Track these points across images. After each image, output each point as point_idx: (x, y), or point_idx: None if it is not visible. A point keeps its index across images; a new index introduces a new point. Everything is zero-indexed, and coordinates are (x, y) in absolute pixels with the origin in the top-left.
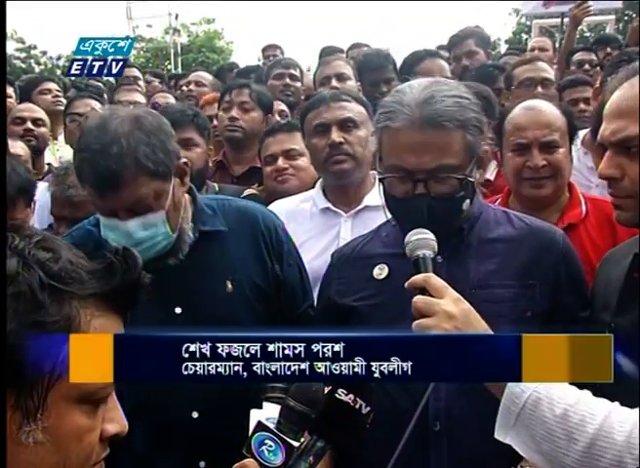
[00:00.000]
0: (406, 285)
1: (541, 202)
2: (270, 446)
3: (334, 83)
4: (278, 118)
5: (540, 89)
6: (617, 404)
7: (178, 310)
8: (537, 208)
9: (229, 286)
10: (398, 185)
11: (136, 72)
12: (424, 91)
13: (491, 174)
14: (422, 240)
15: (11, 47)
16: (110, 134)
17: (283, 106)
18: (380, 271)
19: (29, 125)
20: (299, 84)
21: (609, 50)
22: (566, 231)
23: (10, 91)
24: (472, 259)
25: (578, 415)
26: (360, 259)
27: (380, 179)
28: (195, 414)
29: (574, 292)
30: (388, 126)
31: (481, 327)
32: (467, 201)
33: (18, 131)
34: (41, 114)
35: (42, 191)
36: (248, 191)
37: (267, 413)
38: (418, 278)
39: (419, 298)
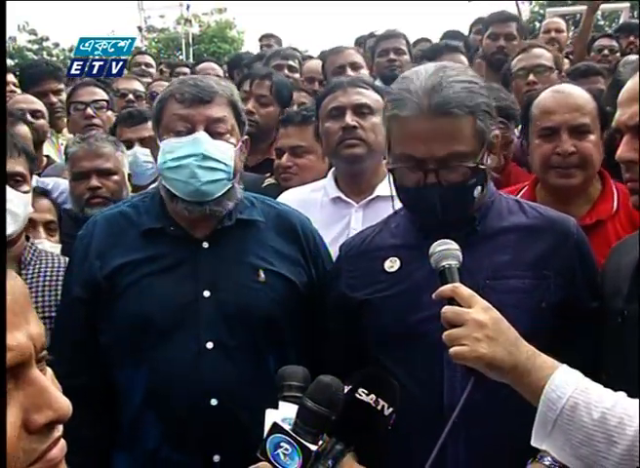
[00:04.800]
0: (433, 296)
1: (570, 192)
2: (286, 449)
3: (349, 72)
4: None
5: (531, 76)
6: None
7: (206, 294)
8: (564, 199)
9: (262, 275)
10: (408, 175)
11: (148, 59)
12: (432, 77)
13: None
14: (447, 250)
15: (23, 39)
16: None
17: (304, 98)
18: (392, 263)
19: (28, 117)
20: (297, 75)
21: (632, 38)
22: (593, 228)
23: (11, 78)
24: (486, 250)
25: (616, 418)
26: (370, 252)
27: (390, 170)
28: (214, 402)
29: (587, 283)
30: (396, 114)
31: (512, 334)
32: (479, 188)
33: None
34: (39, 106)
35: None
36: (269, 180)
37: (283, 414)
38: (445, 288)
39: (448, 309)
